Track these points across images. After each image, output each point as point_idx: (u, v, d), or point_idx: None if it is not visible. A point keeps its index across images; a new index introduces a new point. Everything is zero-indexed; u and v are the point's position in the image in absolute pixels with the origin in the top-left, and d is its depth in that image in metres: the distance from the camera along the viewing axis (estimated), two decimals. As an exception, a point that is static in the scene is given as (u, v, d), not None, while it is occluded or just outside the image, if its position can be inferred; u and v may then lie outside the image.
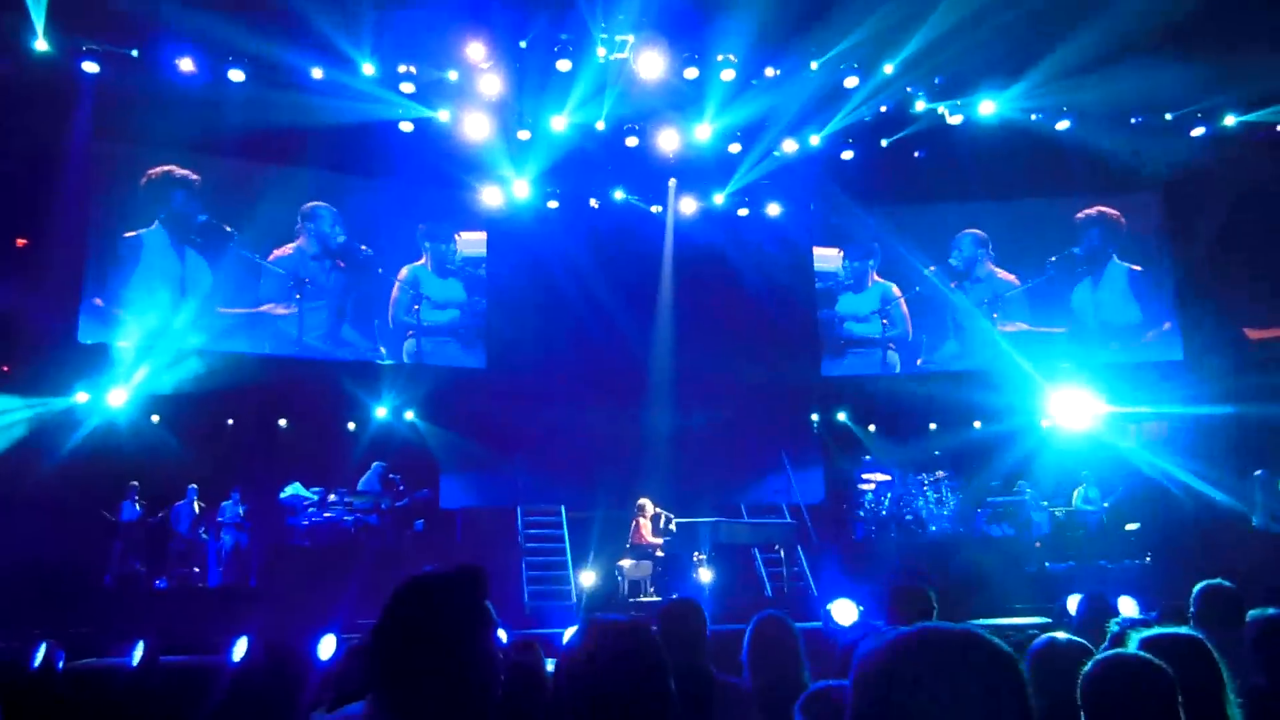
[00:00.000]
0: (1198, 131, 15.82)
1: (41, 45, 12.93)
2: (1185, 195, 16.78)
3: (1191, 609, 4.60)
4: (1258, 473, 13.71)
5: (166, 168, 15.46)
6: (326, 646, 7.18)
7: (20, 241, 14.60)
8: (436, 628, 2.10)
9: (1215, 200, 16.03)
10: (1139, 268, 17.56)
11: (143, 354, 14.77)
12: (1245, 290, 15.94)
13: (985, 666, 1.43)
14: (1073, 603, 5.79)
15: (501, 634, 6.80)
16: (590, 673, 2.16)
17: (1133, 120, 15.84)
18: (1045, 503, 15.61)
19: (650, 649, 2.21)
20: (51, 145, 14.06)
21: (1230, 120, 15.63)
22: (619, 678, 2.14)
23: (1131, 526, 15.10)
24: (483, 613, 2.17)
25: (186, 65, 13.52)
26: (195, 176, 15.58)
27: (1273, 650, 3.67)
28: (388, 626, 2.10)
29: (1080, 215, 17.83)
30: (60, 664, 7.09)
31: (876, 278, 18.31)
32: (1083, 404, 16.91)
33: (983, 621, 8.97)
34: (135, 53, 13.50)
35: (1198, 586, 4.64)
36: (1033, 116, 15.69)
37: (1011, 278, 17.91)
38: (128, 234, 15.12)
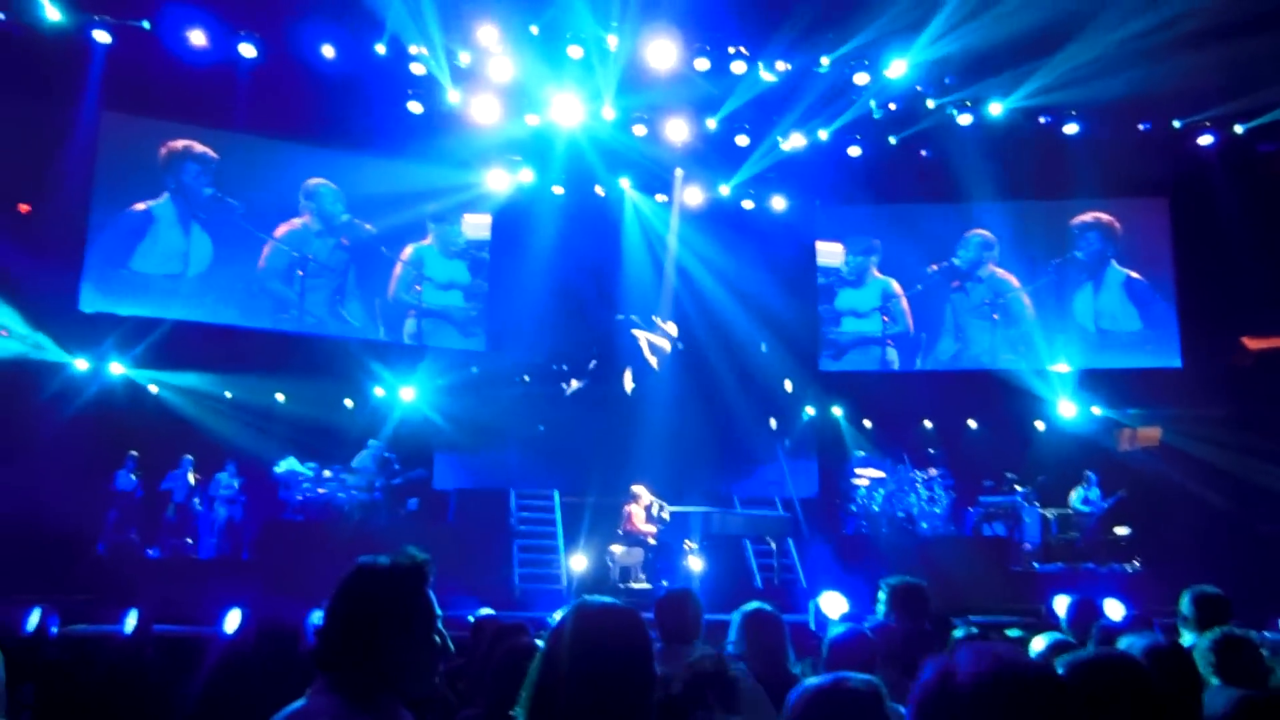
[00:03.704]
0: (1205, 140, 15.83)
1: (52, 14, 12.92)
2: (1190, 202, 16.80)
3: (1181, 613, 4.68)
4: None
5: (186, 142, 15.48)
6: (319, 621, 7.22)
7: (23, 207, 14.59)
8: (379, 616, 2.20)
9: (1220, 208, 16.04)
10: (1138, 275, 17.57)
11: (144, 325, 14.85)
12: (1245, 299, 15.94)
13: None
14: (1060, 605, 5.84)
15: (488, 611, 6.88)
16: (578, 652, 2.21)
17: (1140, 127, 15.84)
18: (1037, 504, 15.68)
19: (637, 632, 2.26)
20: (60, 113, 14.06)
21: (1238, 129, 15.64)
22: (605, 658, 2.19)
23: (1121, 530, 15.17)
24: (424, 603, 2.27)
25: (198, 38, 13.49)
26: (213, 154, 15.60)
27: None
28: (334, 613, 2.20)
29: (1079, 220, 17.84)
30: (54, 629, 7.15)
31: (877, 274, 18.30)
32: (1079, 407, 16.98)
33: (974, 619, 9.04)
34: (146, 24, 13.48)
35: (1187, 591, 4.72)
36: (1041, 119, 15.70)
37: (1013, 280, 17.91)
38: (137, 206, 15.14)
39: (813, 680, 1.87)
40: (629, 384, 15.99)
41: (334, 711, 2.14)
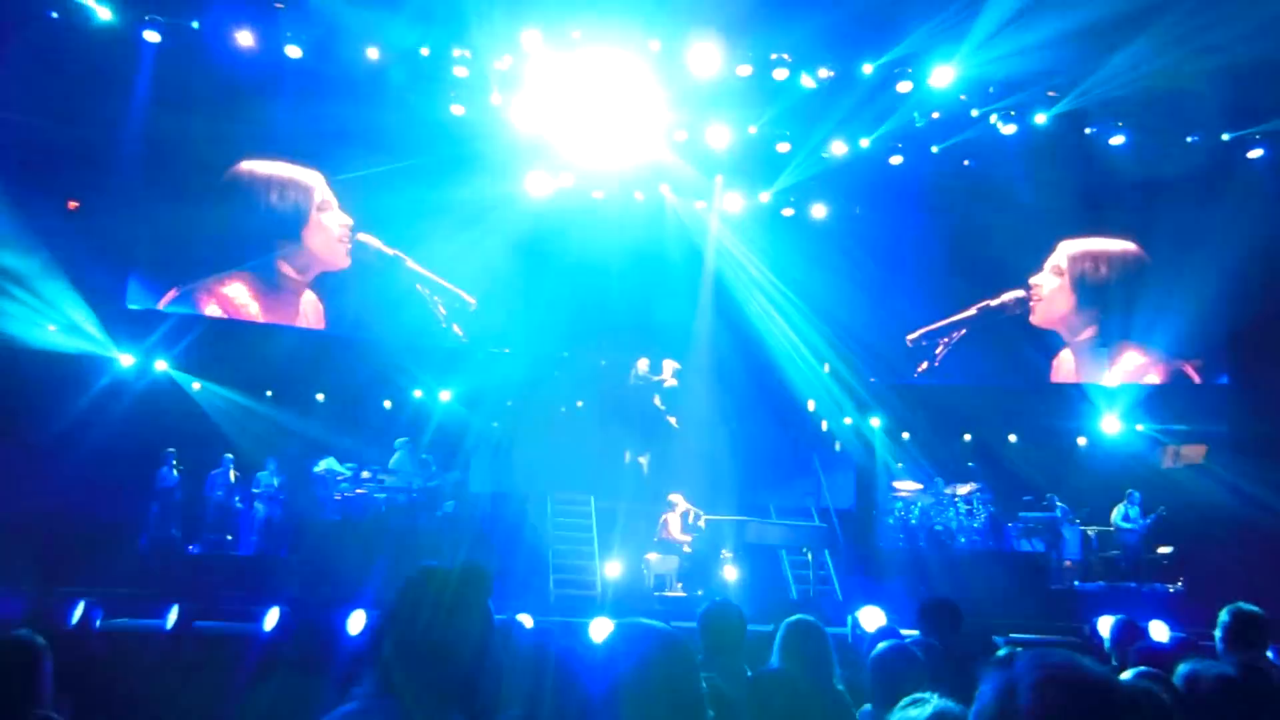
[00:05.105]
0: (1255, 153, 15.57)
1: (103, 13, 13.13)
2: (1239, 217, 16.48)
3: (1219, 633, 4.59)
4: None
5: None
6: (356, 622, 7.26)
7: (72, 204, 14.80)
8: (440, 623, 2.23)
9: (1269, 223, 15.75)
10: (1186, 290, 17.22)
11: (186, 323, 15.05)
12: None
13: None
14: (1104, 625, 5.75)
15: (527, 619, 6.87)
16: (627, 674, 2.19)
17: (1189, 139, 15.62)
18: (1077, 520, 15.46)
19: (685, 653, 2.25)
20: (110, 112, 14.26)
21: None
22: (655, 680, 2.18)
23: (1164, 550, 14.92)
24: (484, 613, 2.29)
25: (245, 39, 13.65)
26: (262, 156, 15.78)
27: None
28: (393, 615, 2.23)
29: (1127, 233, 17.58)
30: (97, 622, 7.23)
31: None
32: (1124, 423, 16.75)
33: (1016, 637, 8.93)
34: (195, 24, 13.66)
35: (1225, 610, 4.63)
36: (1087, 130, 15.51)
37: (1063, 294, 17.65)
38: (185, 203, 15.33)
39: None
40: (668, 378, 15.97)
41: (388, 714, 2.15)
